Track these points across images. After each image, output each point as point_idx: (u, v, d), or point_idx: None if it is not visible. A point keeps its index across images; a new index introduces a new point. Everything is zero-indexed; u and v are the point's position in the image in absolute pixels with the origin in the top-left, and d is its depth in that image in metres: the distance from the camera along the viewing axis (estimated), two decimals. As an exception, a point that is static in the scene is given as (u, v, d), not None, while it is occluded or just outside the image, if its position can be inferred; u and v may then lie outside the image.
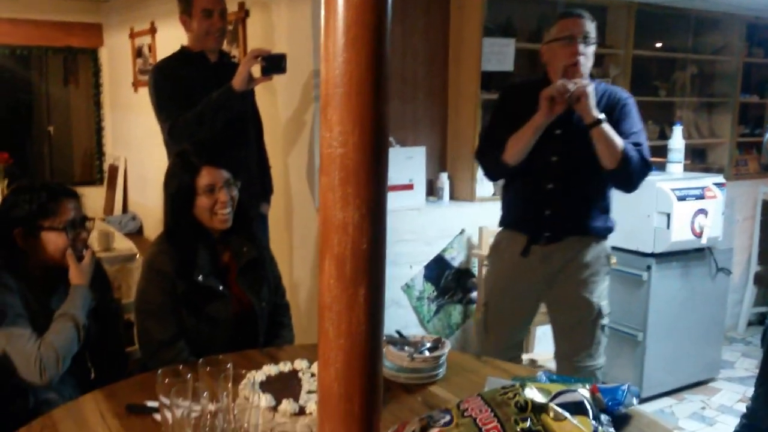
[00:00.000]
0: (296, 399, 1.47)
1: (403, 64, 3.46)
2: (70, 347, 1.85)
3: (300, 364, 1.68)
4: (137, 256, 3.41)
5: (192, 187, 2.02)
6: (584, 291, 2.47)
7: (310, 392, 1.52)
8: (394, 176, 3.27)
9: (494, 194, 3.68)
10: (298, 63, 3.08)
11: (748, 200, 4.69)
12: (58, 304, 1.92)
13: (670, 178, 3.55)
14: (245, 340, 2.11)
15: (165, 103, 2.80)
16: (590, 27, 2.36)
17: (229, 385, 1.35)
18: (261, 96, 3.22)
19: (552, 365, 3.11)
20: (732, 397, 3.70)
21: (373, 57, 0.96)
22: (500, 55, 3.50)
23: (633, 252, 3.52)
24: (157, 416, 1.49)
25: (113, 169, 6.06)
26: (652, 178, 3.10)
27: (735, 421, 2.92)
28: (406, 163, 3.41)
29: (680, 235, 3.43)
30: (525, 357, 3.29)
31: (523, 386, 1.35)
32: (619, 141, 2.30)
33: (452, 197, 3.62)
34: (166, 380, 1.28)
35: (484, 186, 3.65)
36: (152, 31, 5.05)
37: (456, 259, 3.54)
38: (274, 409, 1.43)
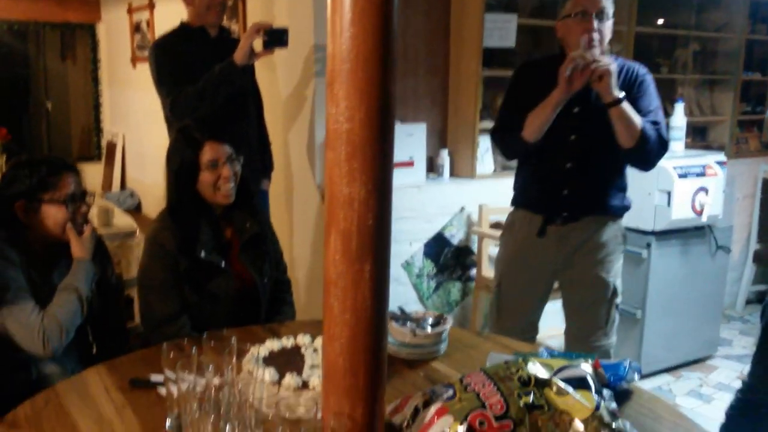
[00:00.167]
0: (299, 373, 1.48)
1: (404, 40, 3.44)
2: (73, 319, 1.87)
3: (302, 339, 1.69)
4: (137, 232, 3.41)
5: (195, 162, 2.01)
6: (601, 270, 2.46)
7: (313, 367, 1.53)
8: (394, 153, 3.25)
9: (495, 171, 3.68)
10: (298, 37, 3.05)
11: (748, 178, 4.69)
12: (59, 279, 1.93)
13: (672, 156, 3.53)
14: (247, 316, 2.12)
15: (166, 79, 2.79)
16: (606, 2, 2.31)
17: (234, 359, 1.36)
18: (261, 72, 3.20)
19: (552, 342, 3.13)
20: (729, 374, 3.73)
21: (380, 32, 0.95)
22: (502, 30, 3.47)
23: (633, 230, 3.52)
24: (161, 390, 1.51)
25: (111, 146, 6.04)
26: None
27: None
28: (407, 140, 3.40)
29: (680, 213, 3.43)
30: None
31: (525, 361, 1.36)
32: (637, 120, 2.27)
33: (452, 174, 3.61)
34: (171, 354, 1.28)
35: (485, 163, 3.64)
36: (150, 6, 5.01)
37: (456, 236, 3.55)
38: (278, 383, 1.44)
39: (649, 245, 3.48)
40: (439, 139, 3.66)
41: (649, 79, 2.43)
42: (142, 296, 2.06)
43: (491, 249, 3.50)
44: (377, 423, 1.14)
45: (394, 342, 1.76)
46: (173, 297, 2.01)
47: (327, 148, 0.93)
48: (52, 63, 6.25)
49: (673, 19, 4.53)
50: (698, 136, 4.76)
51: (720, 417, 2.27)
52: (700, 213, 3.47)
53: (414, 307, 3.39)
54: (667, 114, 4.01)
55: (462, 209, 3.54)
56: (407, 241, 3.40)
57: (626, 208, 2.52)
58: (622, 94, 2.25)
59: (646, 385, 3.51)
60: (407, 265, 3.41)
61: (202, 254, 2.02)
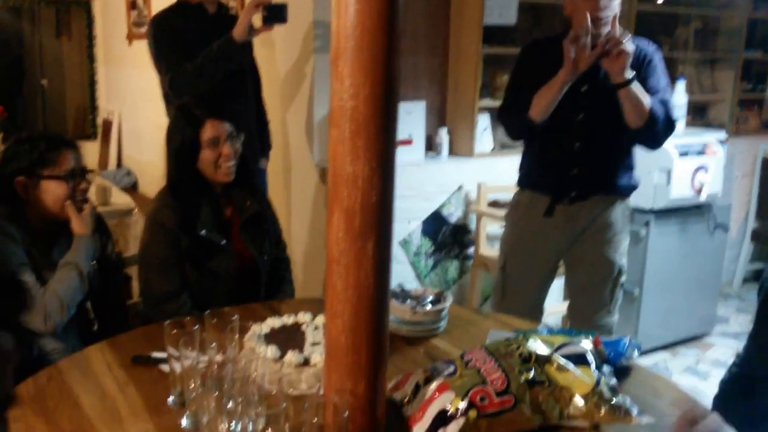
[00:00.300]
0: (301, 350, 1.49)
1: (404, 17, 3.39)
2: (74, 295, 1.88)
3: (303, 317, 1.70)
4: (134, 210, 3.41)
5: (196, 140, 2.00)
6: (608, 250, 2.46)
7: (314, 344, 1.54)
8: (395, 131, 3.24)
9: (493, 150, 3.67)
10: (297, 13, 3.03)
11: (747, 157, 4.68)
12: (59, 256, 1.94)
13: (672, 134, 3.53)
14: (247, 294, 2.13)
15: (164, 56, 2.77)
16: None
17: (236, 336, 1.36)
18: (259, 49, 3.18)
19: (551, 320, 3.15)
20: (726, 352, 3.75)
21: (385, 8, 0.95)
22: (503, 8, 3.44)
23: (632, 208, 3.52)
24: (163, 367, 1.51)
25: (107, 124, 6.00)
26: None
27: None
28: (406, 118, 3.39)
29: (680, 191, 3.43)
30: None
31: (526, 338, 1.37)
32: (646, 100, 2.25)
33: (451, 152, 3.60)
34: (174, 331, 1.29)
35: (483, 142, 3.63)
36: (147, -19, 4.95)
37: (454, 215, 3.55)
38: (280, 360, 1.45)
39: (647, 223, 3.49)
40: (438, 117, 3.65)
41: (658, 58, 2.40)
42: (142, 274, 2.07)
43: (489, 227, 3.50)
44: (379, 399, 1.15)
45: (394, 319, 1.77)
46: (174, 275, 2.02)
47: (331, 126, 0.92)
48: (47, 40, 6.19)
49: (675, -3, 4.49)
50: (698, 115, 4.74)
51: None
52: (699, 191, 3.48)
53: (412, 285, 3.40)
54: (668, 92, 4.00)
55: (460, 187, 3.53)
56: (405, 219, 3.40)
57: (634, 187, 2.51)
58: (632, 75, 2.23)
59: (643, 361, 3.54)
60: (405, 243, 3.42)
61: (203, 232, 2.02)
